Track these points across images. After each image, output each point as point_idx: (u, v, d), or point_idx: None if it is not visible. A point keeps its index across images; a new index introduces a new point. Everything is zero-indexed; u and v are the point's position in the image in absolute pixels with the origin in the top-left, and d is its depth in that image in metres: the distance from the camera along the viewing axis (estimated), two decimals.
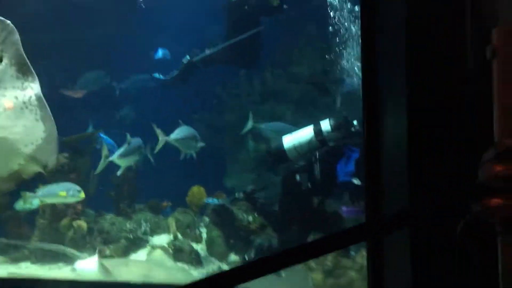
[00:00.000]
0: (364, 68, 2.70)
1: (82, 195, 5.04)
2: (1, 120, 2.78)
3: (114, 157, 5.30)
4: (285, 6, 5.95)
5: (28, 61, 2.84)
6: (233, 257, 5.42)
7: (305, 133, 4.58)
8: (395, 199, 1.30)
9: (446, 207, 1.06)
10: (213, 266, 5.28)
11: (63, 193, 4.98)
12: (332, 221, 4.54)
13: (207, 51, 6.23)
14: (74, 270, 4.60)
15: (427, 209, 1.05)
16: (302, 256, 1.09)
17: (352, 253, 4.52)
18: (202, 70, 6.91)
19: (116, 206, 5.89)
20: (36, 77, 2.85)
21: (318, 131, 4.50)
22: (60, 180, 5.52)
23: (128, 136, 5.47)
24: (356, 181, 4.36)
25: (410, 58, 1.74)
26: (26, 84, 2.79)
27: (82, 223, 5.49)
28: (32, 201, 5.09)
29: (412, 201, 1.20)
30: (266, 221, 5.00)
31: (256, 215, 5.07)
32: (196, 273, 5.05)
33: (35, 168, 2.99)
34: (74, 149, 5.63)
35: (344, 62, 7.04)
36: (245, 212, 5.17)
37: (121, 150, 5.32)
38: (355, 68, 6.65)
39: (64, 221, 5.47)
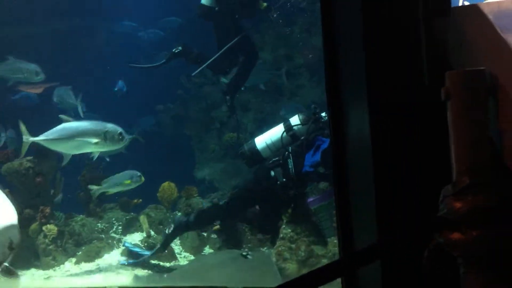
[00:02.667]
0: (326, 63, 2.67)
1: (143, 179, 5.26)
2: None
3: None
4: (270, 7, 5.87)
5: None
6: (207, 250, 5.47)
7: (276, 131, 4.65)
8: (366, 230, 1.35)
9: (412, 238, 1.11)
10: (186, 260, 5.32)
11: (128, 181, 5.16)
12: (301, 212, 4.64)
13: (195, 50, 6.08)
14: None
15: (396, 241, 1.09)
16: None
17: (325, 240, 4.63)
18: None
19: (86, 206, 5.82)
20: None
21: (288, 127, 4.58)
22: (26, 184, 5.44)
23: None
24: (320, 170, 4.49)
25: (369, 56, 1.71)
26: None
27: (52, 227, 5.40)
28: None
29: (381, 234, 1.26)
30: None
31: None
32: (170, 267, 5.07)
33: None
34: (38, 152, 5.48)
35: (308, 47, 7.09)
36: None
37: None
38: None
39: (33, 226, 5.37)
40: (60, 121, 4.87)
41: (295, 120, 4.63)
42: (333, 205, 4.61)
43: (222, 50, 5.70)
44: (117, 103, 7.73)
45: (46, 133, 4.81)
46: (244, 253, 4.41)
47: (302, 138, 4.51)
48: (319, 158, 4.45)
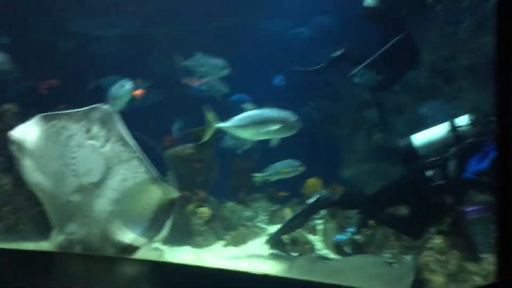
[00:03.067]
0: (497, 58, 2.45)
1: (302, 168, 5.52)
2: (117, 194, 3.11)
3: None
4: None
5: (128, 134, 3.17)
6: (349, 251, 5.39)
7: (439, 130, 4.36)
8: None
9: None
10: (327, 258, 5.32)
11: (287, 170, 5.47)
12: (456, 222, 4.29)
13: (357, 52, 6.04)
14: None
15: None
16: None
17: (479, 256, 4.25)
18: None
19: (235, 194, 6.18)
20: (136, 148, 3.21)
21: (453, 127, 4.26)
22: (186, 169, 5.96)
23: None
24: (485, 179, 4.08)
25: None
26: (131, 155, 3.13)
27: (205, 210, 5.85)
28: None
29: None
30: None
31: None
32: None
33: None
34: (198, 140, 5.96)
35: (474, 48, 6.54)
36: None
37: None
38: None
39: (190, 207, 5.87)
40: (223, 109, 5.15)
41: (461, 121, 4.29)
42: (493, 219, 4.19)
43: (381, 50, 5.56)
44: (267, 97, 8.04)
45: (231, 119, 5.11)
46: (388, 260, 4.23)
47: (469, 140, 4.14)
48: (486, 166, 4.05)
